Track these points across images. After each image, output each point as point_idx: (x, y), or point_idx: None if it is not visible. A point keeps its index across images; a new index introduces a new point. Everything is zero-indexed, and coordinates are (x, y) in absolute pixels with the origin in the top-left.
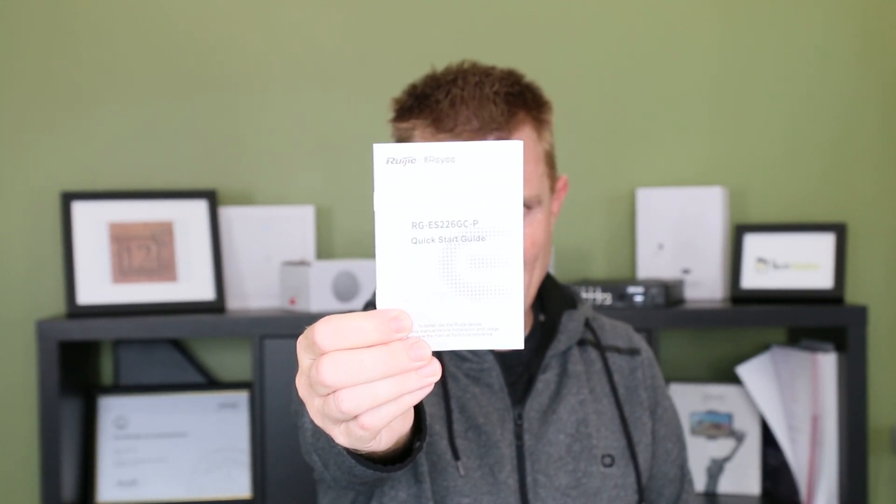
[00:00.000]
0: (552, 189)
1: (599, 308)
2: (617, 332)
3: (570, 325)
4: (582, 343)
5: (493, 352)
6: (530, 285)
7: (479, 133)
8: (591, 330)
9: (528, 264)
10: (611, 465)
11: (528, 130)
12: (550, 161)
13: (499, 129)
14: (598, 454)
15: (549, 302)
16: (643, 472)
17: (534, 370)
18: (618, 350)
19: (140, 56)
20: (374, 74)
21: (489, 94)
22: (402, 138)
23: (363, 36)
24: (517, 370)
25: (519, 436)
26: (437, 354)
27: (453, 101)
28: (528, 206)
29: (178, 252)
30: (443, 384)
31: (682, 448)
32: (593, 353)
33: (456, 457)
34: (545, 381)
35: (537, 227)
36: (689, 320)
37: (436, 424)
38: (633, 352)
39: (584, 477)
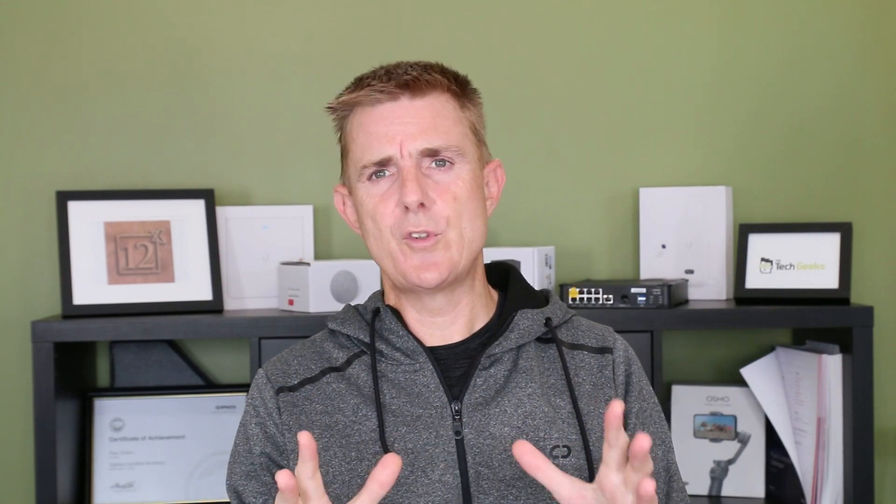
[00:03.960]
0: (481, 159)
1: (601, 309)
2: (592, 332)
3: (523, 324)
4: (546, 341)
5: (431, 350)
6: (462, 247)
7: (391, 83)
8: (552, 329)
9: (453, 223)
10: (566, 457)
11: (443, 93)
12: (477, 133)
13: (411, 82)
14: (548, 447)
15: (509, 300)
16: (597, 465)
17: (475, 365)
18: (585, 348)
19: (136, 54)
20: None
21: (403, 63)
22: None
23: (362, 35)
24: (463, 365)
25: (458, 431)
26: (376, 355)
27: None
28: (449, 160)
29: (175, 252)
30: (375, 391)
31: (666, 451)
32: (554, 352)
33: (385, 451)
34: (488, 376)
35: (461, 183)
36: (693, 321)
37: (370, 433)
38: (604, 350)
39: None
